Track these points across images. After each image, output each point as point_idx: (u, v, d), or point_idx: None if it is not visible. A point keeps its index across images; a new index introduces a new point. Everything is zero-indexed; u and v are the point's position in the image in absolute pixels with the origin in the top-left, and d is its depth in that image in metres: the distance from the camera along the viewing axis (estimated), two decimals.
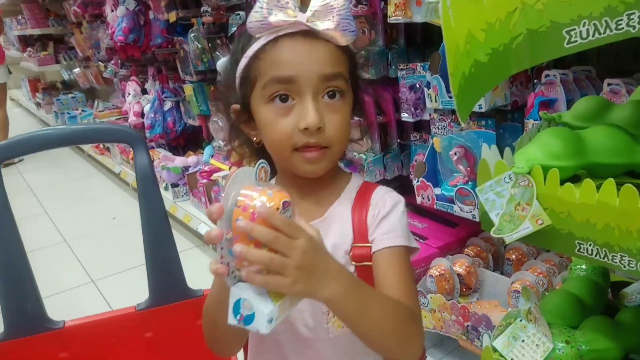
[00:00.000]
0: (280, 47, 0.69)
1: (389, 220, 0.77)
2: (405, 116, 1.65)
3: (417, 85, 1.60)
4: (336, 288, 0.60)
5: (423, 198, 1.61)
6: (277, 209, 0.55)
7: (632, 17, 0.47)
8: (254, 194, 0.56)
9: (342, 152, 0.78)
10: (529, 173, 0.65)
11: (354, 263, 0.76)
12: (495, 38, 0.56)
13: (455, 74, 0.62)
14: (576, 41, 0.50)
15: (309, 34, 0.69)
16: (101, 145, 4.18)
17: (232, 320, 0.57)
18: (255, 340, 0.84)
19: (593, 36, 0.49)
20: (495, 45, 0.57)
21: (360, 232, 0.77)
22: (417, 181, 1.61)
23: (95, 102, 5.02)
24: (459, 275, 1.56)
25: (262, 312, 0.55)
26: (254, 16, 0.68)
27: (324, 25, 0.68)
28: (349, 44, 0.72)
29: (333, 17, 0.68)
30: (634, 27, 0.47)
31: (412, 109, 1.62)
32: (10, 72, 4.89)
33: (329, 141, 0.71)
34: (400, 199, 0.80)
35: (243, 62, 0.73)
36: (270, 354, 0.81)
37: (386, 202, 0.78)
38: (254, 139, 0.79)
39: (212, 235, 0.56)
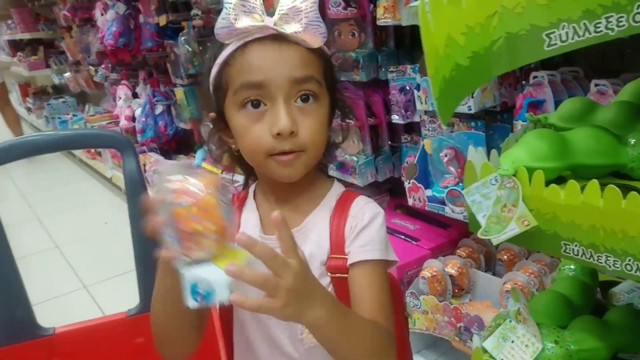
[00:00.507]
0: (249, 52, 0.69)
1: (366, 232, 0.75)
2: (395, 118, 1.66)
3: (407, 88, 1.60)
4: (321, 312, 0.60)
5: (414, 200, 1.61)
6: (217, 188, 0.57)
7: (610, 20, 0.47)
8: (191, 178, 0.57)
9: (319, 157, 0.76)
10: (514, 175, 0.66)
11: (329, 274, 0.75)
12: (476, 41, 0.57)
13: (435, 77, 0.63)
14: (556, 44, 0.50)
15: (278, 38, 0.69)
16: (93, 150, 4.16)
17: (192, 303, 0.58)
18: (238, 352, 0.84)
19: (572, 39, 0.49)
20: (476, 49, 0.57)
21: (337, 243, 0.75)
22: (409, 183, 1.61)
23: (86, 106, 5.00)
24: (451, 276, 1.56)
25: (222, 284, 0.56)
26: (221, 22, 0.67)
27: (291, 28, 0.68)
28: (321, 46, 0.71)
29: (301, 19, 0.67)
30: (612, 30, 0.47)
31: (403, 111, 1.63)
32: None
33: (303, 145, 0.70)
34: (379, 211, 0.78)
35: (214, 69, 0.73)
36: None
37: (365, 213, 0.77)
38: (233, 146, 0.78)
39: (153, 223, 0.57)
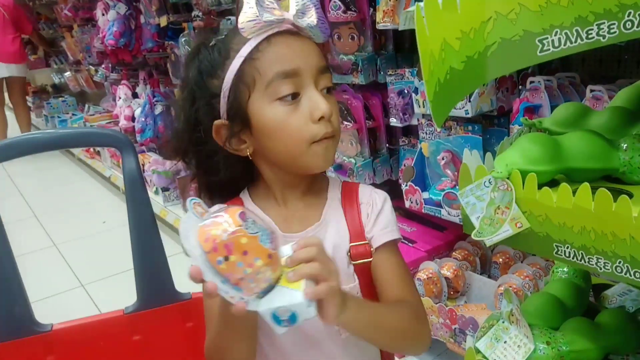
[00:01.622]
0: (277, 44, 0.70)
1: (383, 216, 0.80)
2: (393, 121, 1.67)
3: (406, 91, 1.62)
4: (352, 307, 0.64)
5: (411, 202, 1.62)
6: (239, 225, 0.56)
7: (601, 26, 0.49)
8: (210, 230, 0.55)
9: None
10: (508, 177, 0.67)
11: (352, 262, 0.78)
12: (470, 46, 0.58)
13: (430, 81, 0.64)
14: (548, 50, 0.52)
15: (293, 32, 0.71)
16: (91, 149, 4.17)
17: (280, 330, 0.58)
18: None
19: (565, 45, 0.51)
20: (470, 54, 0.58)
21: (356, 232, 0.79)
22: (406, 185, 1.62)
23: (86, 105, 5.01)
24: (446, 278, 1.58)
25: (300, 304, 0.57)
26: (246, 16, 0.68)
27: (306, 22, 0.71)
28: (323, 41, 0.75)
29: (312, 15, 0.71)
30: (604, 37, 0.49)
31: (401, 114, 1.64)
32: None
33: (336, 130, 0.73)
34: (386, 195, 0.83)
35: (236, 63, 0.70)
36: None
37: (375, 199, 0.81)
38: (247, 151, 0.75)
39: (209, 289, 0.57)
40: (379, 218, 0.79)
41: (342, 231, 0.79)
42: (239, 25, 0.69)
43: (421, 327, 0.77)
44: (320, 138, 0.71)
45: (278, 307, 0.57)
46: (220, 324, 0.70)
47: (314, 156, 0.72)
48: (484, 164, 0.73)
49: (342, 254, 0.77)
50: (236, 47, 0.71)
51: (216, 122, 0.74)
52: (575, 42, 0.50)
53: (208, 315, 0.77)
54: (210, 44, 0.75)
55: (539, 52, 0.52)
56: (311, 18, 0.71)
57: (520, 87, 1.42)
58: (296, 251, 0.60)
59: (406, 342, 0.76)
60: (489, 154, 0.76)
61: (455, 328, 1.47)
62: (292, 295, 0.57)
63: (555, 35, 0.51)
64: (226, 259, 0.55)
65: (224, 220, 0.56)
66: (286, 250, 0.61)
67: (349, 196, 0.81)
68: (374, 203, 0.80)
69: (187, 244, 0.56)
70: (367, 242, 0.78)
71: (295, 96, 0.70)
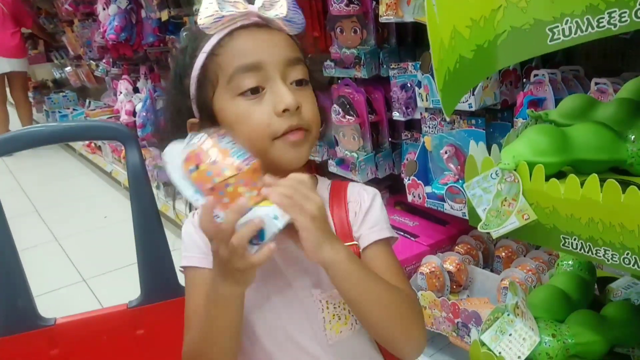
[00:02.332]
0: (238, 38, 0.69)
1: (371, 214, 0.77)
2: (396, 115, 1.66)
3: (409, 85, 1.61)
4: (340, 249, 0.64)
5: (414, 196, 1.62)
6: (214, 140, 0.60)
7: (612, 15, 0.48)
8: (189, 147, 0.61)
9: (317, 139, 0.77)
10: (515, 169, 0.67)
11: None
12: (480, 35, 0.57)
13: (439, 69, 0.64)
14: (559, 39, 0.51)
15: (261, 26, 0.70)
16: (93, 144, 4.17)
17: (251, 250, 0.60)
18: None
19: (575, 34, 0.50)
20: (480, 42, 0.58)
21: (343, 232, 0.76)
22: (408, 179, 1.62)
23: (87, 100, 4.99)
24: (449, 272, 1.57)
25: (266, 215, 0.59)
26: (205, 12, 0.67)
27: (274, 13, 0.69)
28: (299, 34, 0.73)
29: (281, 6, 0.69)
30: (615, 25, 0.48)
31: (404, 108, 1.63)
32: None
33: (308, 123, 0.71)
34: (376, 192, 0.80)
35: (198, 61, 0.71)
36: None
37: (363, 197, 0.78)
38: None
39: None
40: (367, 216, 0.76)
41: None
42: (199, 22, 0.68)
43: (416, 320, 0.73)
44: (284, 132, 0.69)
45: (246, 220, 0.59)
46: (205, 312, 0.69)
47: (280, 152, 0.70)
48: (489, 156, 0.72)
49: None
50: (202, 44, 0.71)
51: (189, 120, 0.74)
52: (586, 30, 0.49)
53: (189, 314, 0.75)
54: (184, 46, 0.75)
55: (549, 41, 0.52)
56: (281, 9, 0.69)
57: (524, 80, 1.41)
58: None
59: (400, 330, 0.70)
60: (494, 146, 0.75)
61: (458, 322, 1.47)
62: (261, 209, 0.59)
63: (565, 24, 0.50)
64: (197, 167, 0.59)
65: (201, 136, 0.61)
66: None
67: (337, 196, 0.79)
68: (362, 201, 0.78)
69: (169, 164, 0.62)
70: (354, 242, 0.75)
71: (257, 90, 0.69)
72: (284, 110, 0.68)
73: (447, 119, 1.41)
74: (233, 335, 0.70)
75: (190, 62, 0.72)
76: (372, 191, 0.80)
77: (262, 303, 0.75)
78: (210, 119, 0.72)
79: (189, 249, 0.78)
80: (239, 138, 0.68)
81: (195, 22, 0.68)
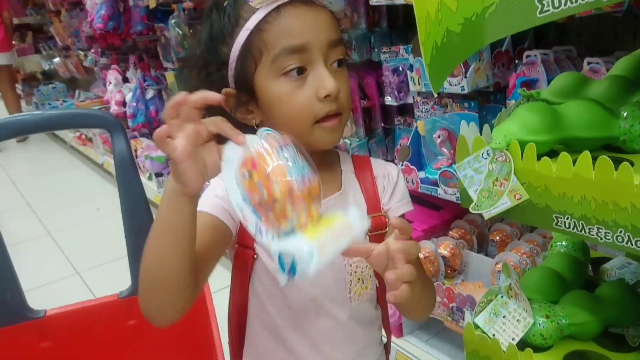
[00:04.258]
0: (285, 16, 0.67)
1: (399, 189, 0.81)
2: (388, 100, 1.64)
3: (400, 68, 1.59)
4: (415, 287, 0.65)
5: (407, 182, 1.61)
6: (275, 148, 0.55)
7: None
8: (247, 148, 0.56)
9: (347, 120, 0.77)
10: (506, 148, 0.65)
11: (368, 233, 0.77)
12: (468, 7, 0.56)
13: (426, 43, 0.62)
14: (548, 10, 0.49)
15: (307, 2, 0.68)
16: (84, 136, 4.13)
17: (283, 280, 0.53)
18: (251, 332, 0.82)
19: (565, 5, 0.48)
20: (468, 15, 0.56)
21: (372, 203, 0.79)
22: (402, 165, 1.61)
23: (77, 92, 4.93)
24: (443, 257, 1.57)
25: (301, 249, 0.52)
26: None
27: None
28: (340, 9, 0.73)
29: None
30: None
31: (396, 92, 1.61)
32: None
33: (343, 107, 0.71)
34: (399, 168, 0.86)
35: (242, 36, 0.68)
36: (268, 342, 0.79)
37: (390, 172, 0.82)
38: (254, 121, 0.73)
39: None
40: (396, 190, 0.81)
41: (360, 202, 0.79)
42: None
43: (435, 298, 0.81)
44: (324, 117, 0.69)
45: (284, 249, 0.53)
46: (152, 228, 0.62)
47: (317, 134, 0.71)
48: (481, 136, 0.71)
49: None
50: (245, 15, 0.68)
51: (224, 90, 0.71)
52: (576, 2, 0.48)
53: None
54: (223, 5, 0.71)
55: (539, 13, 0.50)
56: None
57: (516, 61, 1.40)
58: (398, 239, 0.59)
59: (427, 313, 0.79)
60: (486, 126, 0.74)
61: (452, 306, 1.47)
62: (300, 240, 0.53)
63: None
64: (250, 175, 0.54)
65: (263, 142, 0.55)
66: (353, 212, 0.57)
67: (362, 168, 0.82)
68: (390, 175, 0.82)
69: (226, 162, 0.56)
70: (382, 213, 0.79)
71: (301, 71, 0.68)
72: (326, 96, 0.68)
73: (435, 94, 1.39)
74: (179, 254, 0.62)
75: (232, 29, 0.69)
76: (396, 167, 0.84)
77: None
78: (248, 94, 0.71)
79: (204, 196, 0.73)
80: (280, 118, 0.70)
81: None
